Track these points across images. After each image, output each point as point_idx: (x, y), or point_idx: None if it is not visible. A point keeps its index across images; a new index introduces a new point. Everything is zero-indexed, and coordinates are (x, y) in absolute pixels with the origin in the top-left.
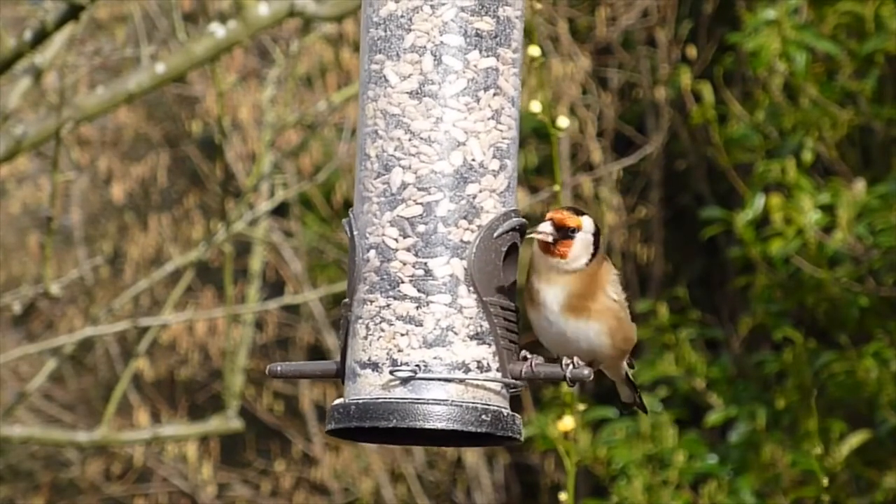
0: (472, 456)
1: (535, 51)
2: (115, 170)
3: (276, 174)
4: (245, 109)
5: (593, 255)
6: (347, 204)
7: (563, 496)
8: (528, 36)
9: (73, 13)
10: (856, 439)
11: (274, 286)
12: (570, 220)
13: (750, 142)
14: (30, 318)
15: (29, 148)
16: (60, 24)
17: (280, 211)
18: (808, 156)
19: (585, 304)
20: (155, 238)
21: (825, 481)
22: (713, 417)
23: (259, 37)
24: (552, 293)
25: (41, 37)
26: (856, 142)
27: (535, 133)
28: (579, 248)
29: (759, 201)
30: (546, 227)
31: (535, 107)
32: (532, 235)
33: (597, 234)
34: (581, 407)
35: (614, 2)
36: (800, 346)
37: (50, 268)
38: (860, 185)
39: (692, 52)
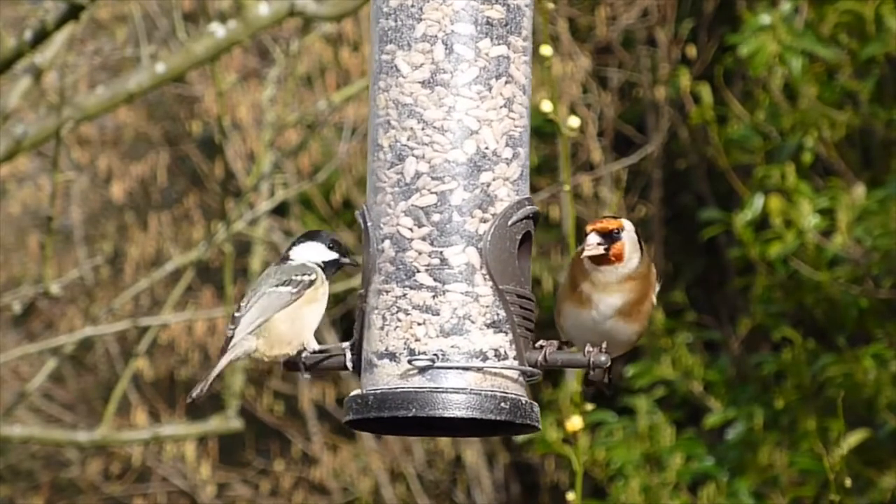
0: (472, 455)
1: (546, 50)
2: (115, 169)
3: (276, 174)
4: (245, 109)
5: (641, 252)
6: (347, 204)
7: (570, 496)
8: (537, 34)
9: (73, 13)
10: (854, 438)
11: None
12: (611, 223)
13: (749, 143)
14: (30, 318)
15: (29, 148)
16: (60, 24)
17: (280, 211)
18: (807, 156)
19: (637, 308)
20: (155, 238)
21: (848, 482)
22: (712, 419)
23: (259, 37)
24: (609, 301)
25: (41, 37)
26: (856, 142)
27: (535, 132)
28: (630, 247)
29: (757, 202)
30: (594, 240)
31: (546, 106)
32: (587, 254)
33: (638, 234)
34: (589, 406)
35: (614, 1)
36: (799, 347)
37: (50, 268)
38: (860, 190)
39: (692, 51)
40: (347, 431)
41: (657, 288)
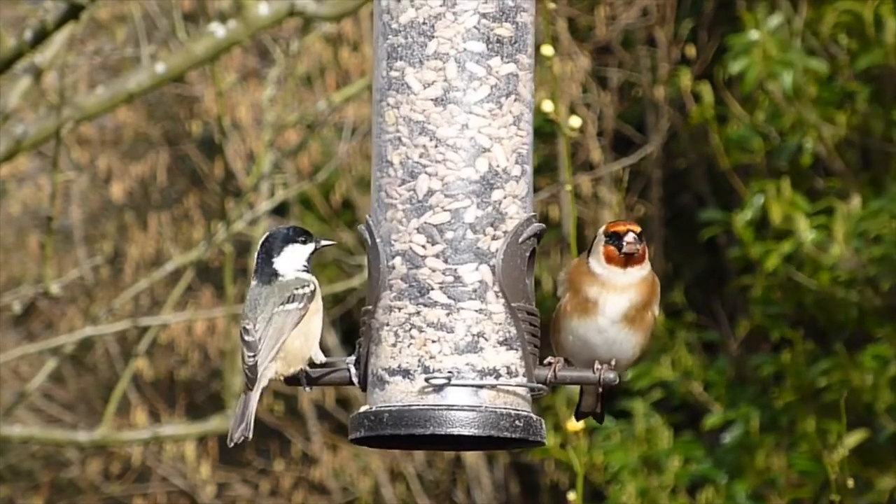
0: (472, 455)
1: (548, 50)
2: (115, 169)
3: (276, 174)
4: (244, 109)
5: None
6: (346, 204)
7: (571, 496)
8: (537, 34)
9: (73, 13)
10: (853, 439)
11: None
12: (637, 226)
13: (749, 143)
14: (30, 318)
15: (29, 148)
16: (60, 24)
17: (280, 211)
18: (806, 158)
19: (642, 314)
20: (155, 238)
21: (850, 483)
22: (711, 420)
23: (259, 37)
24: (618, 302)
25: (41, 37)
26: (854, 143)
27: (535, 132)
28: (647, 251)
29: (757, 201)
30: (636, 239)
31: (547, 106)
32: (632, 251)
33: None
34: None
35: (614, 1)
36: (798, 347)
37: (50, 268)
38: (856, 202)
39: (692, 51)
40: (347, 431)
41: (658, 298)
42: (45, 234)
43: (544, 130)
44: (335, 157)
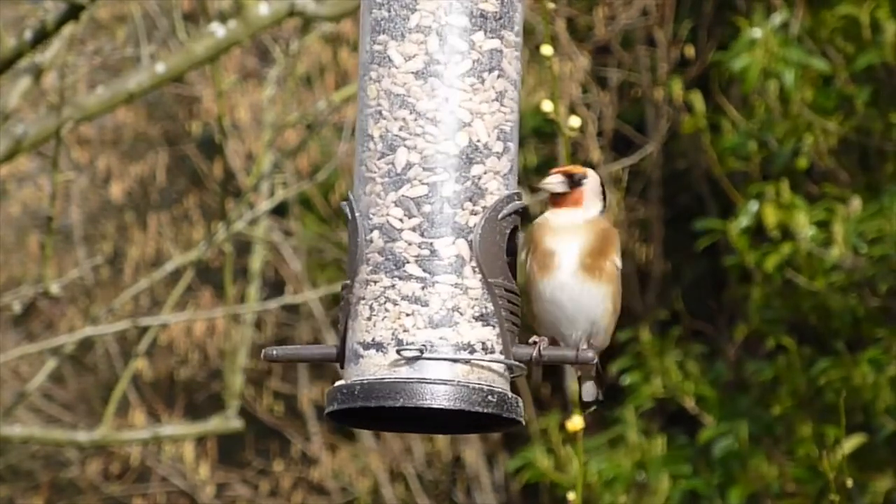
0: (472, 455)
1: (547, 50)
2: (115, 169)
3: (275, 174)
4: (244, 109)
5: (604, 207)
6: None
7: (571, 496)
8: (536, 34)
9: (73, 13)
10: (851, 443)
11: (274, 286)
12: (576, 168)
13: (744, 150)
14: (30, 318)
15: (29, 148)
16: (60, 24)
17: (280, 210)
18: (802, 161)
19: (598, 263)
20: (155, 238)
21: (849, 482)
22: (706, 433)
23: (259, 37)
24: (568, 250)
25: (41, 37)
26: (852, 148)
27: (535, 133)
28: (591, 196)
29: (752, 208)
30: (556, 178)
31: (547, 106)
32: (543, 186)
33: (603, 188)
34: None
35: (613, 1)
36: (793, 353)
37: (50, 268)
38: (856, 203)
39: (691, 51)
40: (347, 431)
41: (619, 250)
42: (45, 234)
43: (544, 130)
44: (335, 157)
